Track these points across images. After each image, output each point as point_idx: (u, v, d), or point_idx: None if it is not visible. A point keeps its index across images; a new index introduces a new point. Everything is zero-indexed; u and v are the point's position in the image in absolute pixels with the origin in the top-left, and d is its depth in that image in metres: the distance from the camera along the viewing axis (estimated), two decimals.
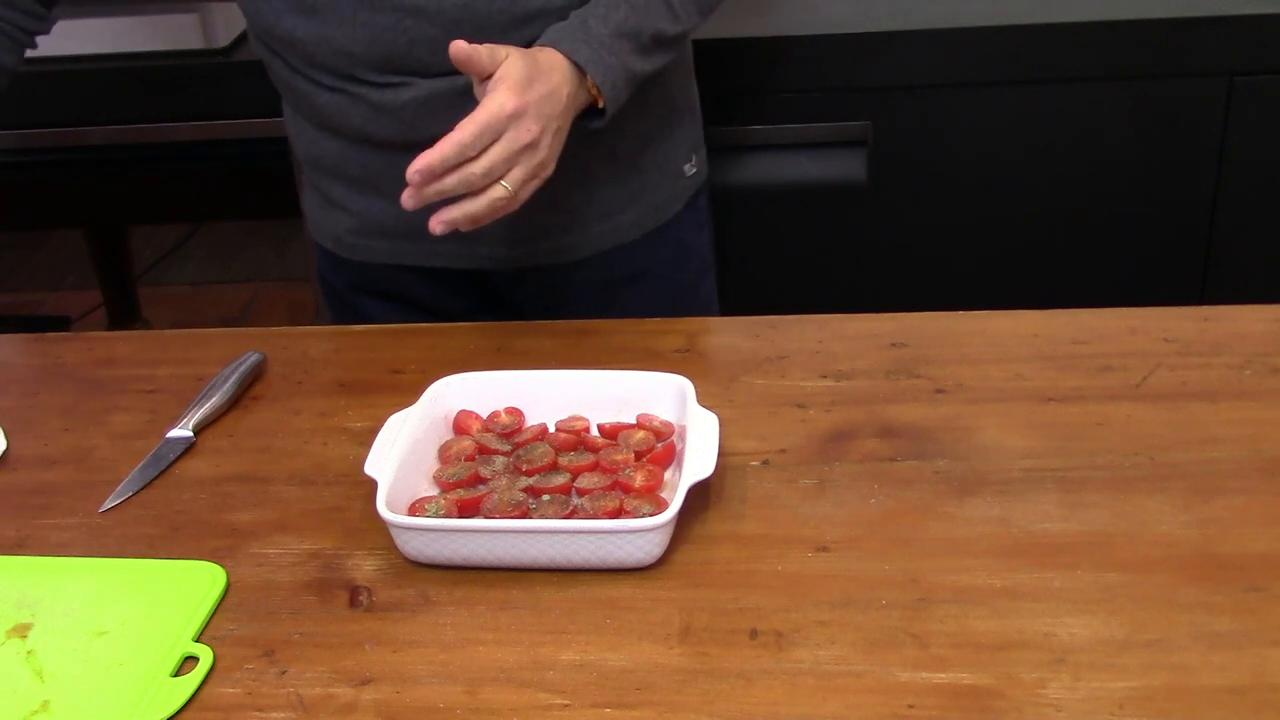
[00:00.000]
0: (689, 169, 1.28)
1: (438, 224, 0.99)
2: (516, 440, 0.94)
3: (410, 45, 1.09)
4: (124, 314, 2.03)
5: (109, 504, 0.92)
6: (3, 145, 1.77)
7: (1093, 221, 1.77)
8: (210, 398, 1.02)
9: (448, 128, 0.95)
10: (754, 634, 0.77)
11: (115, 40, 1.76)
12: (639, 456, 0.91)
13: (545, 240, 1.21)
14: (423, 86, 1.11)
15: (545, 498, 0.87)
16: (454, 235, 1.11)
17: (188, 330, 1.16)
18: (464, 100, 1.02)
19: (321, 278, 1.35)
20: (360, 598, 0.82)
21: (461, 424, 0.96)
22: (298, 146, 1.26)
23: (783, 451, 0.94)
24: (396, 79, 1.11)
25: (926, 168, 1.75)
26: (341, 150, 1.19)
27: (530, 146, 0.97)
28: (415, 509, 0.86)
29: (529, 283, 1.25)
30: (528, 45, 1.05)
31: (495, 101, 0.95)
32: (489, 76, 0.98)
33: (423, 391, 0.95)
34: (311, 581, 0.84)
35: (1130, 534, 0.84)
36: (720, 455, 0.87)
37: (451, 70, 0.99)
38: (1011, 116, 1.72)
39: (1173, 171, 1.74)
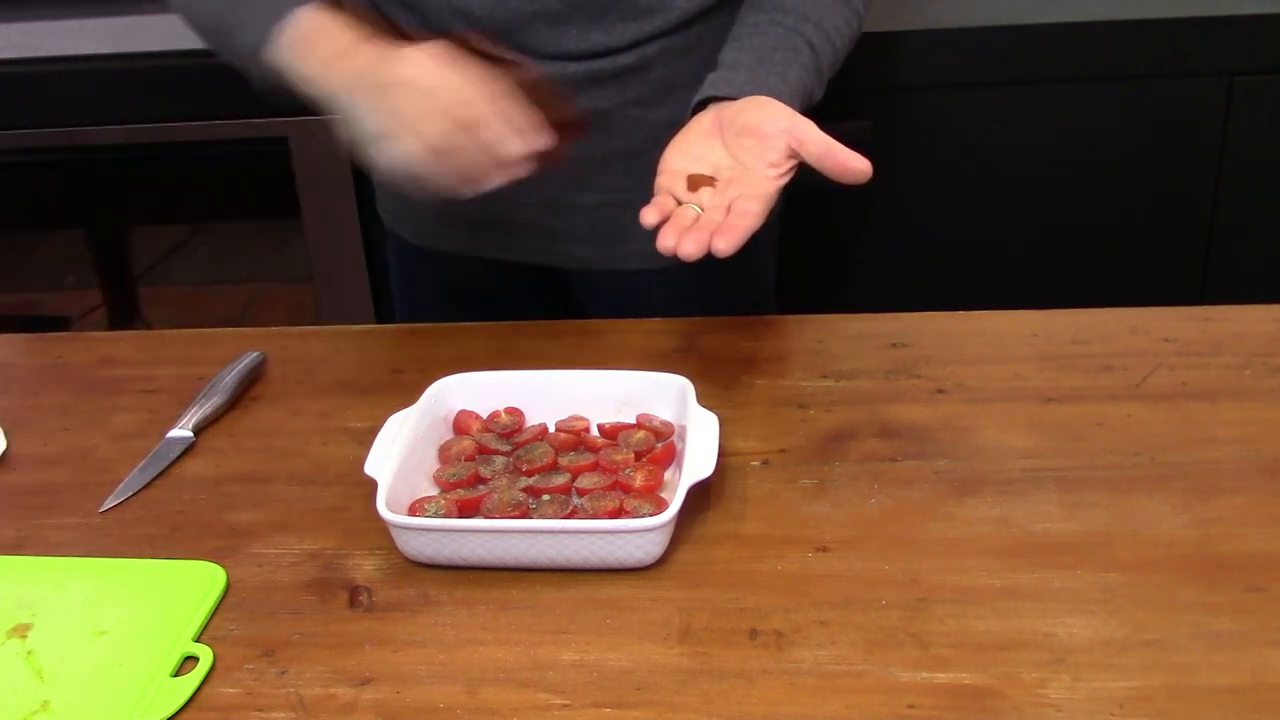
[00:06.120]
0: None
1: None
2: (516, 440, 0.94)
3: (534, 17, 1.06)
4: (124, 314, 2.03)
5: (109, 504, 0.92)
6: (3, 145, 1.77)
7: (1093, 221, 1.77)
8: (210, 398, 1.02)
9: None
10: (754, 634, 0.77)
11: (115, 40, 1.76)
12: (639, 456, 0.91)
13: (626, 244, 1.20)
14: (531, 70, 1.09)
15: (545, 498, 0.87)
16: (537, 229, 1.12)
17: (188, 330, 1.16)
18: (571, 89, 1.00)
19: (395, 282, 1.35)
20: (360, 598, 0.82)
21: (461, 424, 0.96)
22: None
23: (783, 451, 0.94)
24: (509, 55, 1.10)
25: (926, 168, 1.75)
26: None
27: None
28: (415, 509, 0.86)
29: (604, 287, 1.25)
30: (659, 28, 1.08)
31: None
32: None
33: (423, 391, 0.95)
34: (311, 581, 0.84)
35: (1130, 534, 0.84)
36: (720, 455, 0.87)
37: (565, 55, 0.98)
38: (1011, 116, 1.72)
39: (1173, 171, 1.74)
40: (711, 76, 1.06)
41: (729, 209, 0.94)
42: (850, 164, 0.94)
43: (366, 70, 0.96)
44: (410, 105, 0.93)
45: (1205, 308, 1.10)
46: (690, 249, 0.91)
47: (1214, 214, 1.76)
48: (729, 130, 0.99)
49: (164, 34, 1.75)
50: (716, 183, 0.97)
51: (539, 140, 0.96)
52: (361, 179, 1.76)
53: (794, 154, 0.97)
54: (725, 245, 0.91)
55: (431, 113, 0.93)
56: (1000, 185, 1.76)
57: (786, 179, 0.97)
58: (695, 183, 0.97)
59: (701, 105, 1.04)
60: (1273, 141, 1.72)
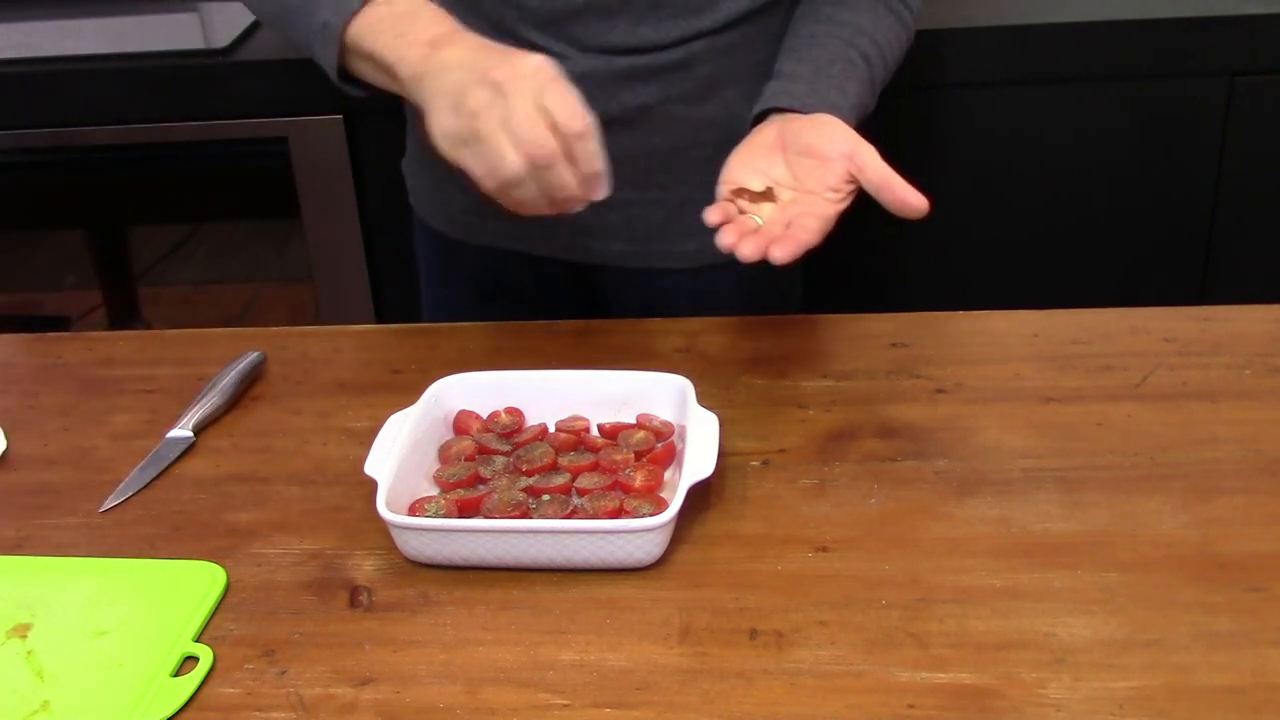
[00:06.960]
0: None
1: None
2: (516, 440, 0.94)
3: (585, 9, 1.05)
4: (124, 314, 2.03)
5: (109, 504, 0.92)
6: (3, 145, 1.77)
7: (1093, 221, 1.77)
8: (210, 398, 1.02)
9: (593, 110, 0.93)
10: (754, 634, 0.77)
11: (115, 40, 1.76)
12: (639, 456, 0.91)
13: (660, 242, 1.21)
14: (579, 63, 1.06)
15: (545, 498, 0.87)
16: (571, 225, 1.13)
17: (188, 330, 1.16)
18: (614, 84, 0.99)
19: (424, 273, 1.35)
20: (360, 598, 0.82)
21: (461, 424, 0.96)
22: (419, 120, 1.25)
23: (783, 451, 0.94)
24: (555, 46, 1.09)
25: (927, 168, 1.75)
26: None
27: None
28: (415, 509, 0.86)
29: (634, 284, 1.25)
30: (708, 26, 1.08)
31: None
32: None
33: (423, 391, 0.95)
34: (311, 581, 0.84)
35: (1130, 534, 0.84)
36: (720, 455, 0.87)
37: (610, 49, 0.97)
38: (1011, 116, 1.72)
39: (1173, 171, 1.74)
40: (772, 86, 1.07)
41: (789, 225, 0.96)
42: (907, 199, 0.95)
43: (479, 61, 0.91)
44: (516, 116, 0.89)
45: (1205, 308, 1.10)
46: (748, 251, 0.93)
47: (1214, 214, 1.76)
48: (791, 149, 1.00)
49: (164, 34, 1.75)
50: (778, 202, 0.99)
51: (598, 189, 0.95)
52: (361, 179, 1.76)
53: (853, 179, 0.98)
54: (781, 254, 0.92)
55: (535, 132, 0.89)
56: (1000, 185, 1.76)
57: (846, 203, 0.99)
58: (757, 198, 1.00)
59: (761, 115, 1.06)
60: (1273, 141, 1.72)
